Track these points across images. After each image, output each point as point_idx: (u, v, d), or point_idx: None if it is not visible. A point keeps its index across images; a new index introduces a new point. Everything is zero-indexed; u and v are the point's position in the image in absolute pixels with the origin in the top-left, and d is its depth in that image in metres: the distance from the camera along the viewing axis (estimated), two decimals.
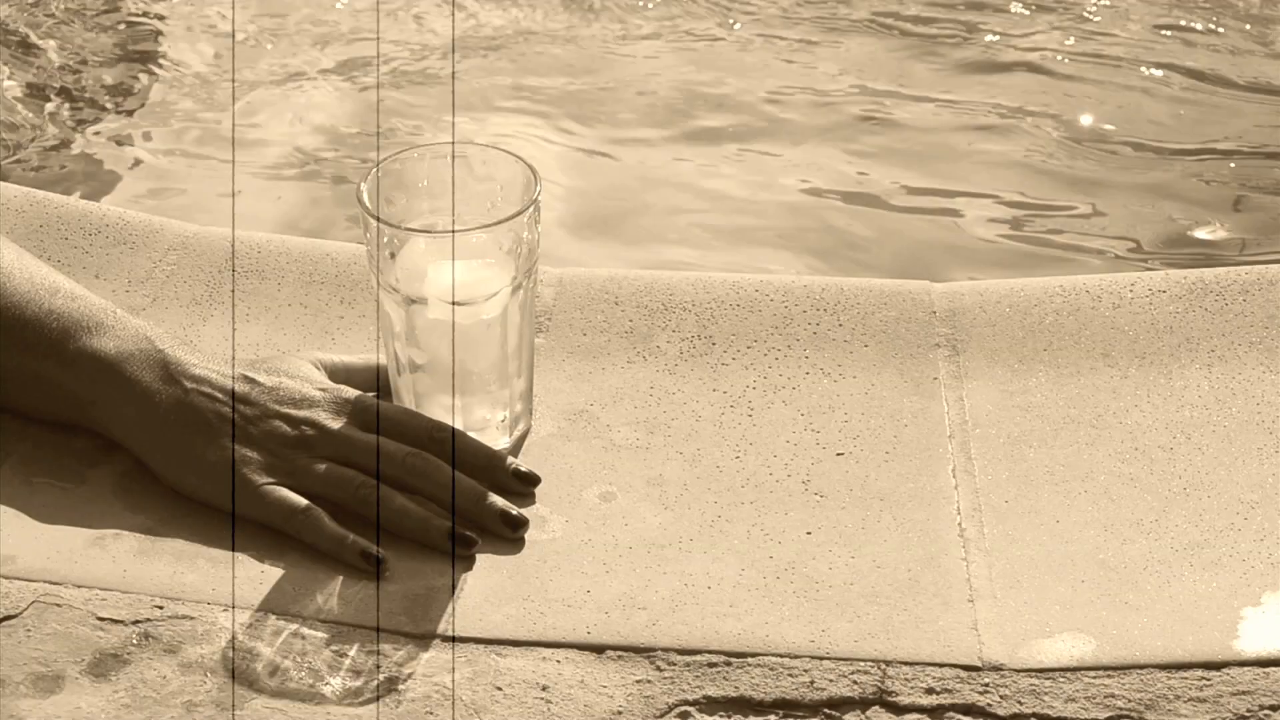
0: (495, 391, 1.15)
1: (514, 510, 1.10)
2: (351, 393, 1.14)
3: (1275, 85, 2.37)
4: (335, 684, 1.00)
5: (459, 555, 1.08)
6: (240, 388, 1.12)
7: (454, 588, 1.06)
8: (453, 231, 1.13)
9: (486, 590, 1.06)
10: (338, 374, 1.17)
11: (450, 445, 1.12)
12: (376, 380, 1.18)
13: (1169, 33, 2.47)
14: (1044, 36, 2.49)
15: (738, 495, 1.13)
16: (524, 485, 1.13)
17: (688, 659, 1.01)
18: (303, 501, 1.09)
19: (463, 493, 1.10)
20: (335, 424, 1.12)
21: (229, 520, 1.10)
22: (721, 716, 0.98)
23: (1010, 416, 1.19)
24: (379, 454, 1.10)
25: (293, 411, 1.12)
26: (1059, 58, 2.43)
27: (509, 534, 1.09)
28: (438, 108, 2.34)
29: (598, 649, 1.02)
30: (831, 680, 1.00)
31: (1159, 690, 0.99)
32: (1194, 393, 1.21)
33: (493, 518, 1.10)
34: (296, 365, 1.15)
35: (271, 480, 1.10)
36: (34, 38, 2.45)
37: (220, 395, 1.12)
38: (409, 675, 1.00)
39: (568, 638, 1.03)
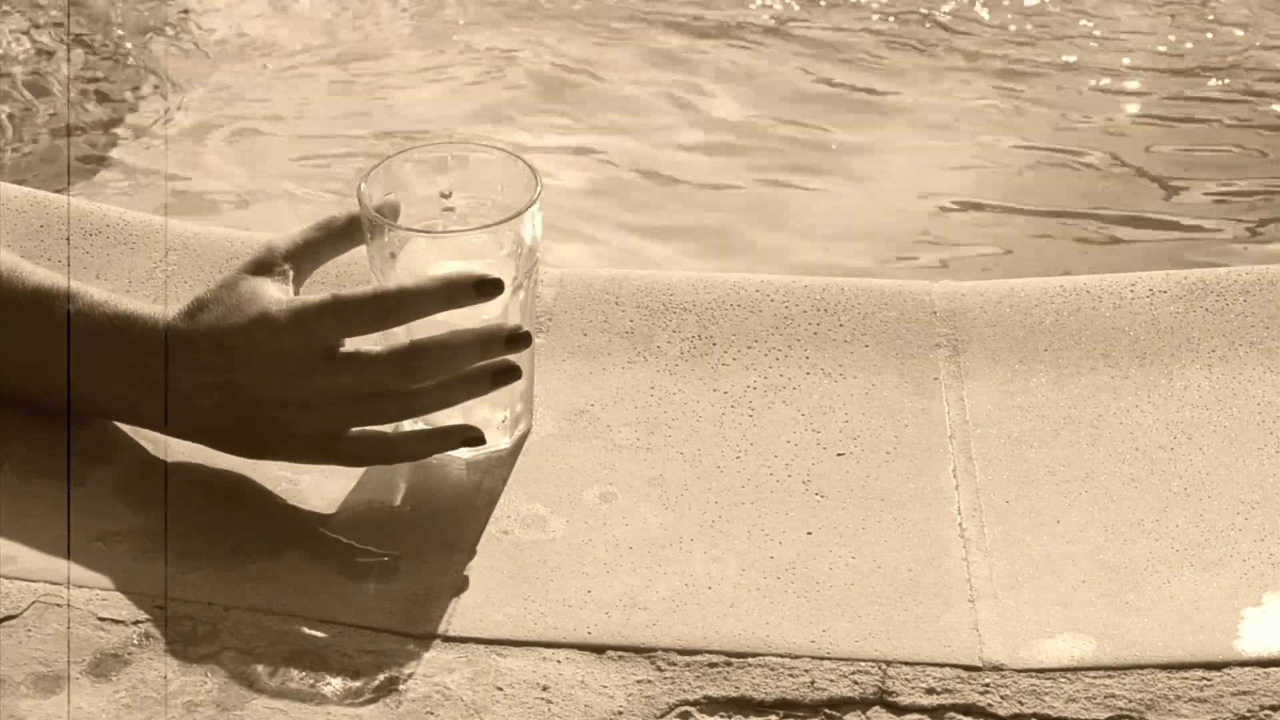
0: (495, 392, 1.14)
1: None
2: (305, 316, 1.06)
3: None
4: (335, 684, 1.00)
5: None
6: (236, 383, 1.08)
7: (454, 587, 1.06)
8: (453, 232, 1.14)
9: (486, 590, 1.06)
10: (304, 258, 1.12)
11: (407, 313, 1.08)
12: (346, 237, 1.14)
13: None
14: None
15: (738, 495, 1.13)
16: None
17: (688, 659, 1.01)
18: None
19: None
20: (313, 372, 1.06)
21: (229, 520, 1.10)
22: (722, 717, 0.98)
23: (1011, 416, 1.19)
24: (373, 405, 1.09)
25: (275, 375, 1.07)
26: None
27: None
28: None
29: (598, 649, 1.02)
30: (832, 680, 1.00)
31: (1159, 690, 0.99)
32: (1194, 393, 1.21)
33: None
34: (236, 315, 1.08)
35: (320, 448, 1.09)
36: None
37: (251, 400, 1.08)
38: (409, 675, 1.00)
39: (568, 638, 1.03)
